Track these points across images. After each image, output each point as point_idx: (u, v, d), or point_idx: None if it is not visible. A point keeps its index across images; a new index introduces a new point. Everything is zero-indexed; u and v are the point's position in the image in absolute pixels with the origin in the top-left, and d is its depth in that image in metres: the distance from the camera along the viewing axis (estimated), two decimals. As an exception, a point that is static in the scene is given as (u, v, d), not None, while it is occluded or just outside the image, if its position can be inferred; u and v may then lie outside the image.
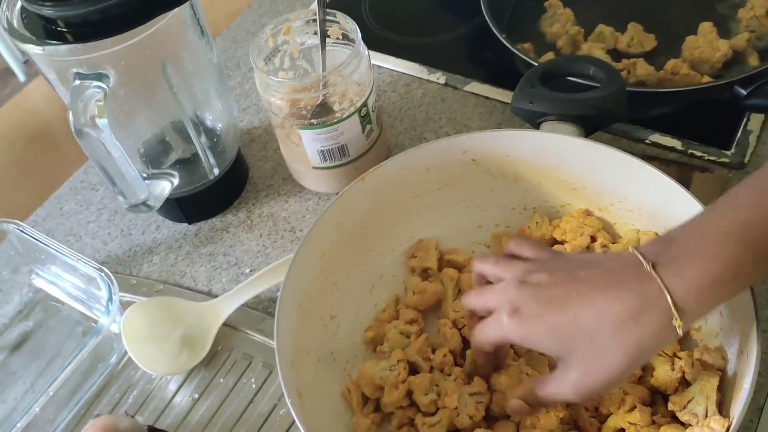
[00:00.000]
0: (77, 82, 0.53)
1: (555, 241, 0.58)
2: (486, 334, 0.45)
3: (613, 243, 0.57)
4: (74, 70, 0.54)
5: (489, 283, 0.48)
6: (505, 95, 0.76)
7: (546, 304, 0.42)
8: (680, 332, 0.39)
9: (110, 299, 0.59)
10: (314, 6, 0.64)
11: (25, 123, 1.05)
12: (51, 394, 0.55)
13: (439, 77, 0.79)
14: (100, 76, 0.54)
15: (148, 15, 0.53)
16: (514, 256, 0.48)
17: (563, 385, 0.43)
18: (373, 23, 0.88)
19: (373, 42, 0.84)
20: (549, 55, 0.75)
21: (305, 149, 0.66)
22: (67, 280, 0.66)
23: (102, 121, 0.53)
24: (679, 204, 0.51)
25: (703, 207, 0.49)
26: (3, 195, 0.94)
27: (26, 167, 0.99)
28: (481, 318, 0.46)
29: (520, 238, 0.50)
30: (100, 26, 0.52)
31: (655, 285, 0.39)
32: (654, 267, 0.40)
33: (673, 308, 0.39)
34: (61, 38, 0.53)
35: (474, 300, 0.48)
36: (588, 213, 0.58)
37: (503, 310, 0.43)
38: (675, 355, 0.50)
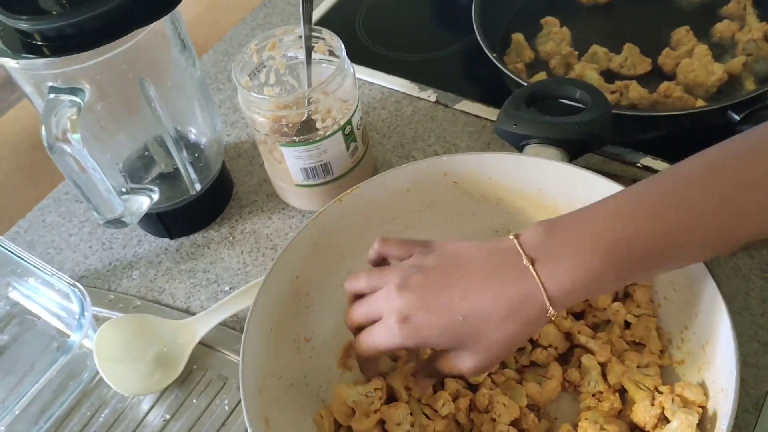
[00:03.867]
0: (51, 96, 0.53)
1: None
2: (376, 341, 0.46)
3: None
4: (49, 84, 0.53)
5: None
6: (495, 114, 0.74)
7: (434, 310, 0.44)
8: (553, 319, 0.43)
9: (82, 315, 0.58)
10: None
11: (30, 128, 1.05)
12: (17, 412, 0.54)
13: (430, 95, 0.78)
14: (75, 91, 0.53)
15: (125, 29, 0.52)
16: (383, 260, 0.50)
17: (461, 366, 0.46)
18: (367, 38, 0.87)
19: (365, 57, 0.84)
20: (541, 75, 0.74)
21: (288, 166, 0.65)
22: (44, 294, 0.65)
23: (75, 136, 0.52)
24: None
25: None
26: (7, 199, 0.94)
27: (30, 172, 0.99)
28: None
29: (385, 238, 0.50)
30: (76, 40, 0.52)
31: (533, 282, 0.42)
32: (532, 263, 0.42)
33: (548, 303, 0.42)
34: (38, 52, 0.52)
35: (358, 313, 0.48)
36: (572, 239, 0.56)
37: (392, 318, 0.45)
38: (656, 389, 0.49)
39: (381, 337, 0.46)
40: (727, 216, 0.41)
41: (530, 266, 0.42)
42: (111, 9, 0.51)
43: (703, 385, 0.47)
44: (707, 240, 0.42)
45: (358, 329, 0.48)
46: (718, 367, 0.45)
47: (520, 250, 0.42)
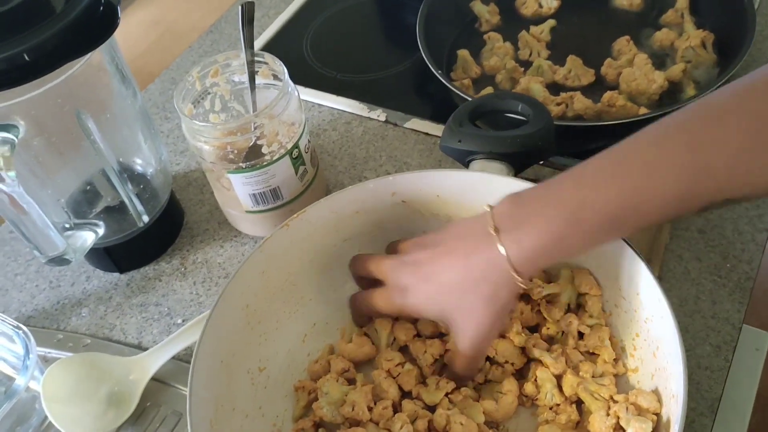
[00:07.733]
0: (-17, 133, 0.51)
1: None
2: (385, 305, 0.53)
3: (549, 282, 0.55)
4: (-20, 122, 0.52)
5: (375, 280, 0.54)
6: (445, 131, 0.74)
7: (424, 279, 0.50)
8: (522, 285, 0.47)
9: (27, 357, 0.56)
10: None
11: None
12: (-40, 463, 0.52)
13: (379, 114, 0.78)
14: (8, 127, 0.51)
15: (57, 62, 0.51)
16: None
17: (459, 344, 0.50)
18: (315, 61, 0.87)
19: (314, 80, 0.84)
20: (488, 90, 0.74)
21: (236, 193, 0.64)
22: (-11, 337, 0.63)
23: (10, 174, 0.51)
24: (611, 244, 0.50)
25: (635, 251, 0.48)
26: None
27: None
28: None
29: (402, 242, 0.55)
30: (6, 75, 0.50)
31: (497, 248, 0.46)
32: (497, 231, 0.46)
33: (511, 269, 0.45)
34: (-32, 89, 0.51)
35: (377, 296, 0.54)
36: (523, 252, 0.56)
37: (394, 290, 0.52)
38: (611, 398, 0.49)
39: (390, 302, 0.52)
40: (684, 179, 0.42)
41: (495, 235, 0.45)
42: (41, 42, 0.50)
43: (656, 392, 0.47)
44: (667, 203, 0.43)
45: (361, 279, 0.57)
46: (669, 372, 0.45)
47: (489, 220, 0.46)
